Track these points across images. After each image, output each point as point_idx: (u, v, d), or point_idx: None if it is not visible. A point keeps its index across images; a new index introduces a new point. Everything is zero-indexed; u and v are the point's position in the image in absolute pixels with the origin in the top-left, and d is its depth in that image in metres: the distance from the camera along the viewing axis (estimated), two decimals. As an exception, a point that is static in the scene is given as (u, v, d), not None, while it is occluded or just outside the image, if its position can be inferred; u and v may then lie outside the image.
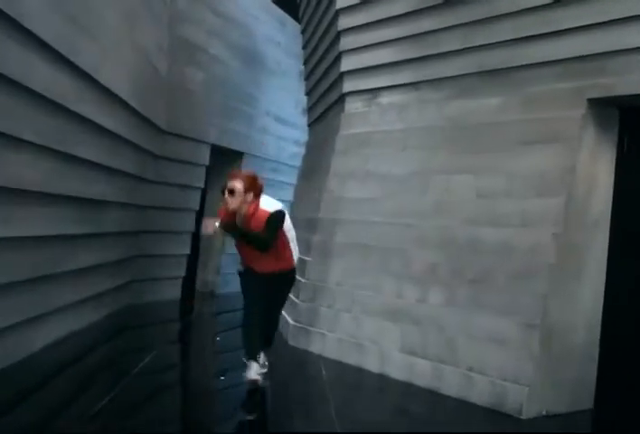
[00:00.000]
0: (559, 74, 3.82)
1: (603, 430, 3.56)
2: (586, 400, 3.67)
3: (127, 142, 4.98)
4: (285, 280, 3.74)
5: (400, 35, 4.83)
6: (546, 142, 3.76)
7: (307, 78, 7.36)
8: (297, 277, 4.17)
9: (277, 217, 3.43)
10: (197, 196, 6.93)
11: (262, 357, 3.55)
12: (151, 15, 5.43)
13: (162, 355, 4.38)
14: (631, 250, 3.67)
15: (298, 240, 3.82)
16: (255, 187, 3.39)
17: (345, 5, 5.29)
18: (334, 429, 3.03)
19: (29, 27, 3.08)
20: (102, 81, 4.16)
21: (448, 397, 3.69)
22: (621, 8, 3.48)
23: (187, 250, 6.90)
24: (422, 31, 4.64)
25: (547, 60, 3.87)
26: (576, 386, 3.62)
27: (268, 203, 3.46)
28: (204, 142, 6.84)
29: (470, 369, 3.66)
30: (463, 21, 4.33)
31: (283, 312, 4.64)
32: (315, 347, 4.63)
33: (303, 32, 7.45)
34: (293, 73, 8.86)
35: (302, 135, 8.48)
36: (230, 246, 4.70)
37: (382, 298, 4.31)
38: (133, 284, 6.10)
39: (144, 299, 6.23)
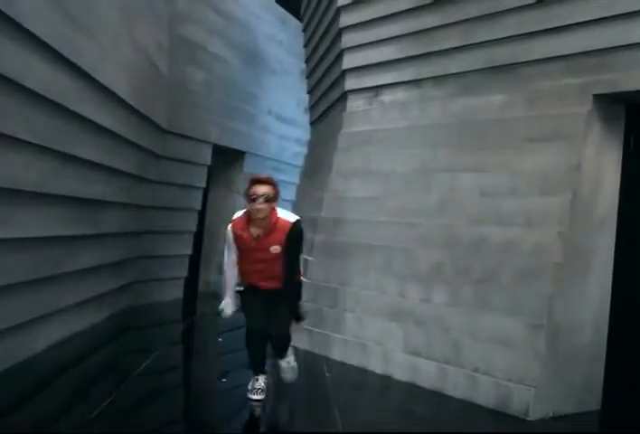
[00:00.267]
0: (564, 70, 3.77)
1: (611, 432, 3.52)
2: (593, 401, 3.63)
3: (127, 142, 4.95)
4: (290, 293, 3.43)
5: (402, 32, 4.79)
6: (551, 139, 3.72)
7: (309, 76, 7.32)
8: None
9: (300, 233, 3.18)
10: (199, 196, 6.90)
11: (262, 378, 3.41)
12: (151, 14, 5.40)
13: (164, 356, 4.36)
14: (638, 249, 3.62)
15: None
16: (278, 193, 3.15)
17: (347, 3, 5.26)
18: (337, 430, 3.00)
19: (28, 27, 3.05)
20: (102, 81, 4.13)
21: (453, 398, 3.65)
22: (626, 3, 3.44)
23: (189, 251, 6.87)
24: (424, 27, 4.60)
25: (552, 55, 3.83)
26: (583, 387, 3.58)
27: (282, 211, 3.22)
28: (206, 141, 6.81)
29: (475, 370, 3.62)
30: (466, 17, 4.29)
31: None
32: (318, 348, 4.59)
33: (304, 30, 7.42)
34: (294, 72, 8.83)
35: (304, 133, 8.46)
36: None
37: (386, 298, 4.26)
38: (135, 285, 6.07)
39: (146, 300, 6.20)
